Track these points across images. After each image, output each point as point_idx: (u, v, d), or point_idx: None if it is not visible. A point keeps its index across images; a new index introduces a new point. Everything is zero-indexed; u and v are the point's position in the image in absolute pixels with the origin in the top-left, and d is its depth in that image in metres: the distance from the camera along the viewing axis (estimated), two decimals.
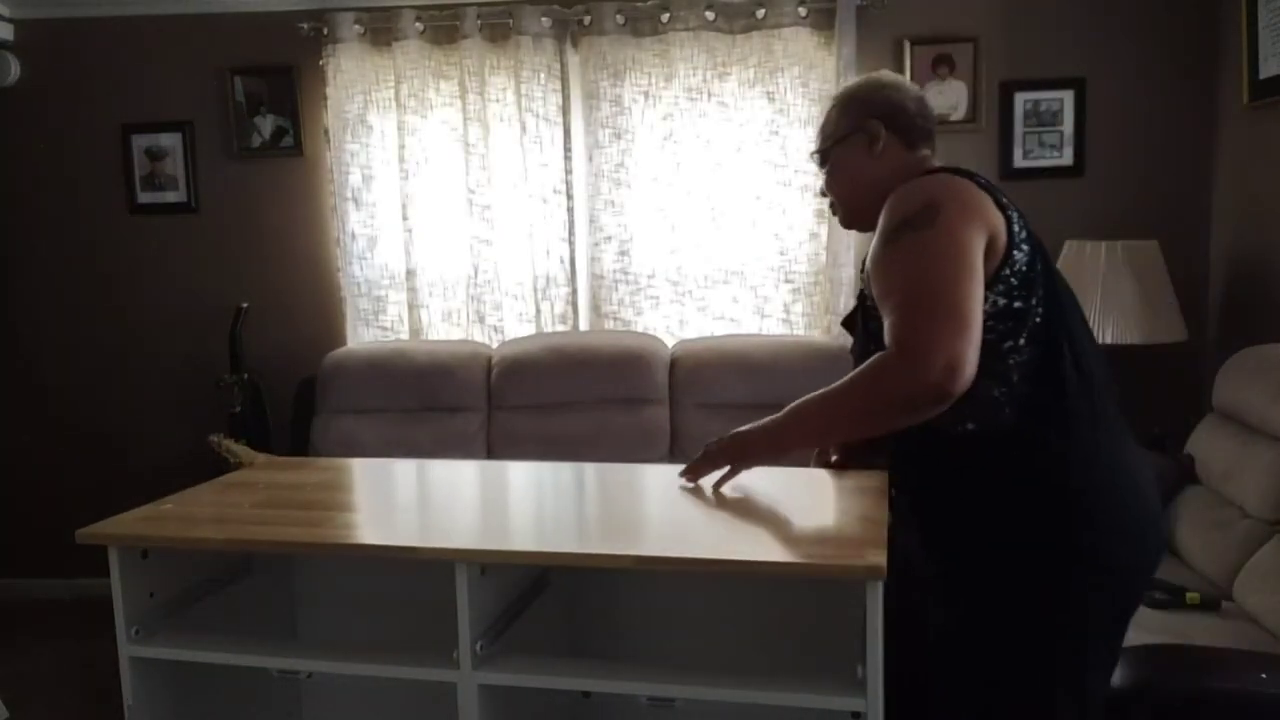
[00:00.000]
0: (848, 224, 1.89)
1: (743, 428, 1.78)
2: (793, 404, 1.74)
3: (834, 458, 1.98)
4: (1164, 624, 2.20)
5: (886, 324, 1.57)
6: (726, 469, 1.77)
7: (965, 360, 1.48)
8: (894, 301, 1.57)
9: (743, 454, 1.77)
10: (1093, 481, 1.63)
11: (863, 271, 1.77)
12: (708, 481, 1.78)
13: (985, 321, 1.55)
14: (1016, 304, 1.61)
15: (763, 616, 1.86)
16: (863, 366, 1.59)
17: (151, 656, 1.65)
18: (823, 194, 1.90)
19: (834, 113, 1.85)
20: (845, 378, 1.63)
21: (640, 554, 1.44)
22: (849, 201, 1.84)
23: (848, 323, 1.94)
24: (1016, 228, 1.62)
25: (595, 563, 1.53)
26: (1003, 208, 1.62)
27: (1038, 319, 1.63)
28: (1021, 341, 1.62)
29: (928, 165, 1.77)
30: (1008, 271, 1.60)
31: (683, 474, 1.80)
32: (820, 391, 1.67)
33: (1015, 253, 1.61)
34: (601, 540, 1.52)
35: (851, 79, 3.43)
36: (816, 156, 1.86)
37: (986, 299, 1.56)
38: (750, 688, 1.45)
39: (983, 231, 1.58)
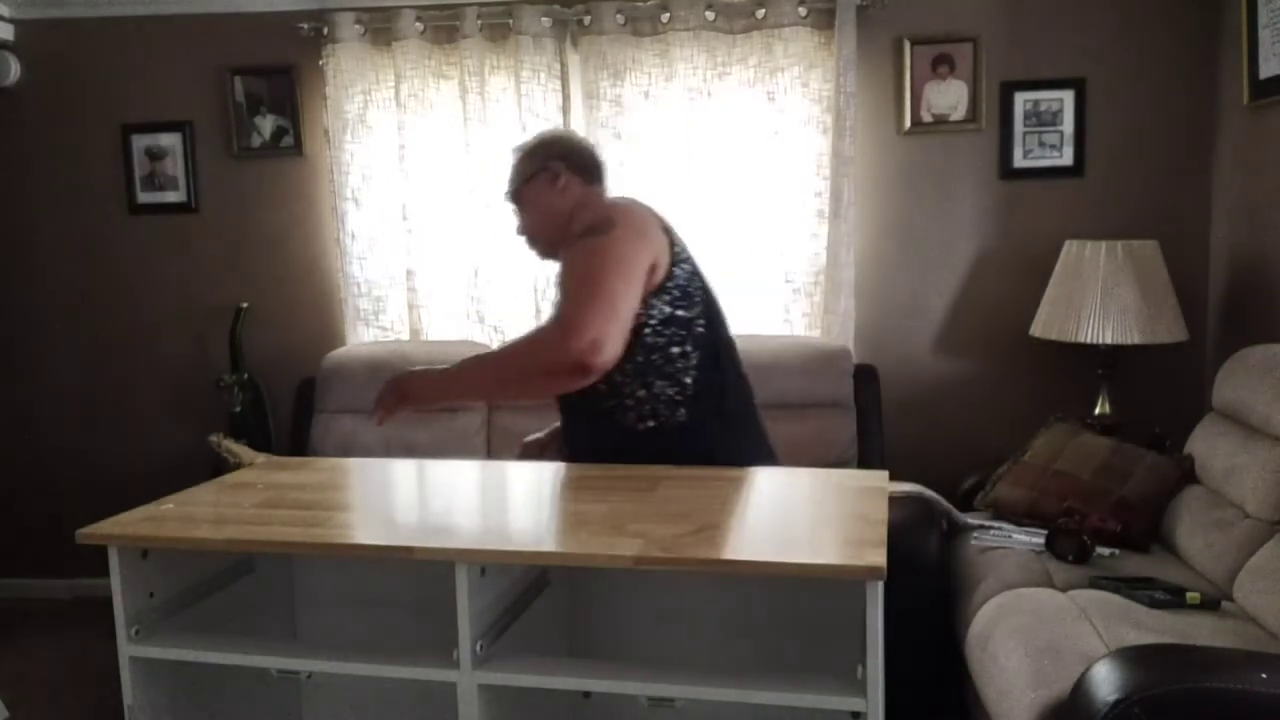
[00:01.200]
0: (544, 254, 2.20)
1: (416, 369, 2.05)
2: (466, 357, 2.11)
3: (530, 437, 2.32)
4: (1164, 624, 2.20)
5: (557, 306, 1.91)
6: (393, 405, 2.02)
7: (608, 340, 1.79)
8: (565, 289, 1.91)
9: (405, 395, 2.01)
10: (743, 460, 2.00)
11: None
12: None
13: (656, 327, 1.93)
14: (680, 311, 1.96)
15: (763, 616, 1.86)
16: (527, 333, 1.98)
17: (152, 656, 1.65)
18: (519, 233, 2.19)
19: (520, 159, 2.16)
20: (512, 340, 2.00)
21: (639, 554, 1.44)
22: (540, 233, 2.14)
23: None
24: (678, 249, 2.00)
25: (595, 562, 1.53)
26: (667, 231, 2.01)
27: (700, 328, 1.99)
28: (689, 348, 1.97)
29: (606, 198, 2.14)
30: (671, 284, 1.95)
31: (372, 417, 2.05)
32: (492, 349, 1.95)
33: (676, 269, 1.97)
34: (601, 540, 1.52)
35: (850, 78, 3.47)
36: (509, 197, 2.16)
37: (654, 306, 1.92)
38: (750, 687, 1.45)
39: (648, 249, 1.92)
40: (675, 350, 1.97)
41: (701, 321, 2.01)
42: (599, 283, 1.84)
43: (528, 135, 3.58)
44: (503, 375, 1.98)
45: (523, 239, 2.20)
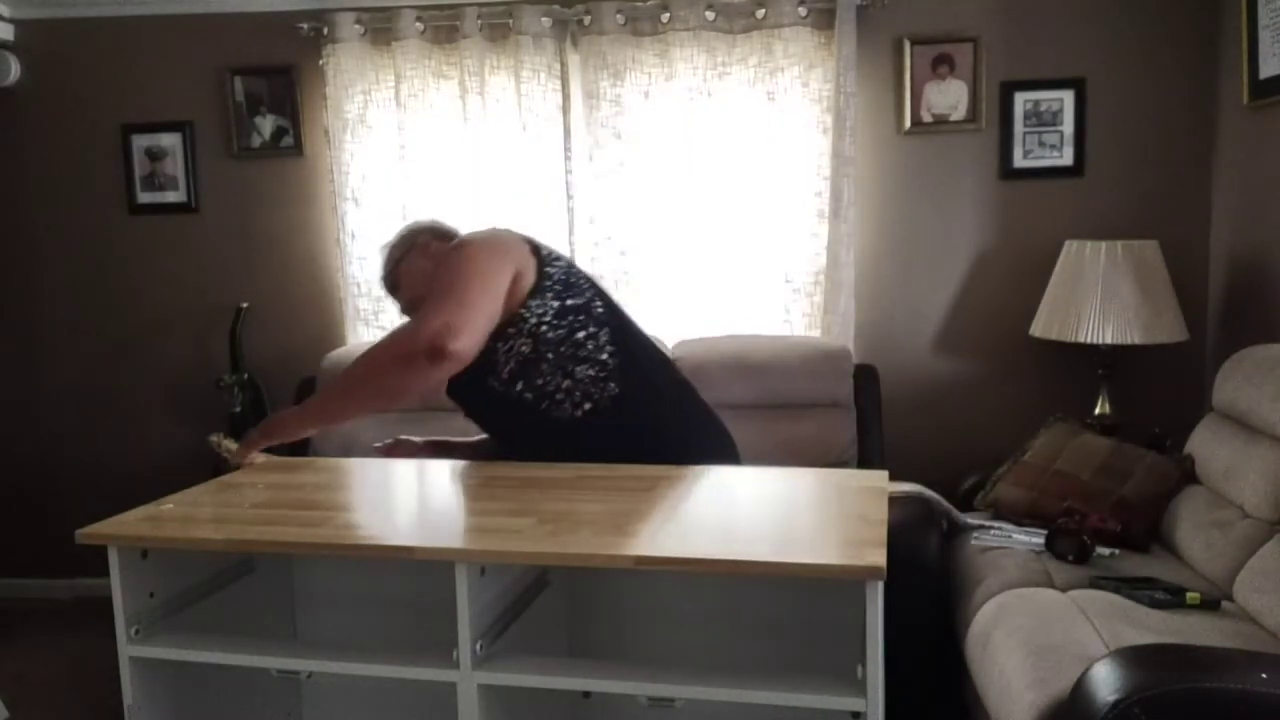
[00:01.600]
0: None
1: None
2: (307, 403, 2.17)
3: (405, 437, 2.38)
4: (1164, 624, 2.20)
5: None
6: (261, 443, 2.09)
7: (460, 327, 1.86)
8: (429, 291, 1.98)
9: (267, 432, 2.09)
10: (683, 419, 2.19)
11: None
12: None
13: (552, 321, 2.04)
14: (570, 300, 2.07)
15: (763, 616, 1.86)
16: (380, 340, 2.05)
17: (151, 656, 1.65)
18: (402, 314, 2.28)
19: (389, 250, 2.27)
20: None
21: (640, 554, 1.44)
22: (417, 298, 2.16)
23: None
24: (546, 252, 2.12)
25: (595, 563, 1.53)
26: (529, 241, 2.13)
27: (599, 309, 2.11)
28: (594, 329, 2.08)
29: None
30: (548, 282, 2.06)
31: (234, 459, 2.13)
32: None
33: (549, 269, 2.08)
34: (601, 540, 1.52)
35: (851, 78, 3.47)
36: (385, 285, 2.27)
37: (541, 304, 2.03)
38: (750, 688, 1.45)
39: (504, 258, 2.04)
40: (581, 335, 2.07)
41: (598, 303, 2.13)
42: (450, 282, 1.95)
43: (528, 134, 3.65)
44: (360, 375, 2.01)
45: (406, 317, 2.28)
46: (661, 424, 2.13)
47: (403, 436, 2.40)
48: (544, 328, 2.05)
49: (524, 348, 2.05)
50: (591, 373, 2.06)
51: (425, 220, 2.34)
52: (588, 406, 2.06)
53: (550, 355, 2.05)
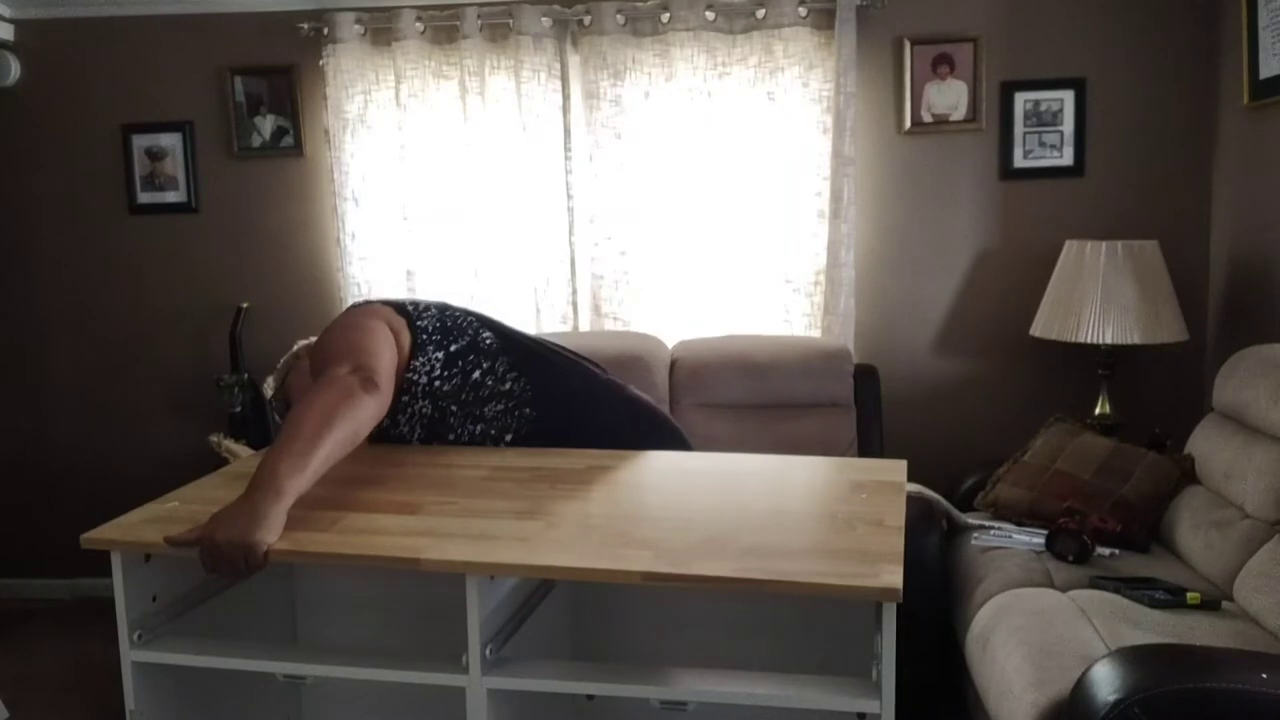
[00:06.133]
0: None
1: (223, 515, 1.56)
2: (258, 470, 1.62)
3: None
4: (1164, 624, 2.20)
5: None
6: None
7: (373, 366, 1.79)
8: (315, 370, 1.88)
9: (265, 522, 1.54)
10: (618, 419, 2.14)
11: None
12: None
13: (442, 373, 1.98)
14: (454, 346, 2.01)
15: (769, 618, 1.86)
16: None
17: (154, 661, 1.65)
18: None
19: (275, 377, 2.18)
20: (285, 420, 1.73)
21: (647, 570, 1.43)
22: None
23: None
24: (411, 306, 2.05)
25: (602, 578, 1.52)
26: (389, 302, 2.06)
27: (487, 341, 2.05)
28: (488, 363, 2.03)
29: None
30: (425, 337, 1.99)
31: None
32: (275, 441, 1.68)
33: (420, 322, 2.01)
34: (609, 552, 1.51)
35: (851, 78, 3.47)
36: (276, 406, 2.17)
37: (426, 360, 1.97)
38: (761, 689, 1.44)
39: (374, 319, 1.96)
40: (476, 375, 2.02)
41: (485, 335, 2.06)
42: (335, 346, 1.88)
43: (528, 135, 3.65)
44: (314, 425, 1.65)
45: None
46: (595, 429, 2.07)
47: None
48: (437, 382, 2.00)
49: (424, 409, 2.01)
50: (501, 406, 2.03)
51: (304, 341, 2.22)
52: (509, 438, 2.03)
53: (454, 407, 2.02)
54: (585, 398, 2.14)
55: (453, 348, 2.02)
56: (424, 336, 2.00)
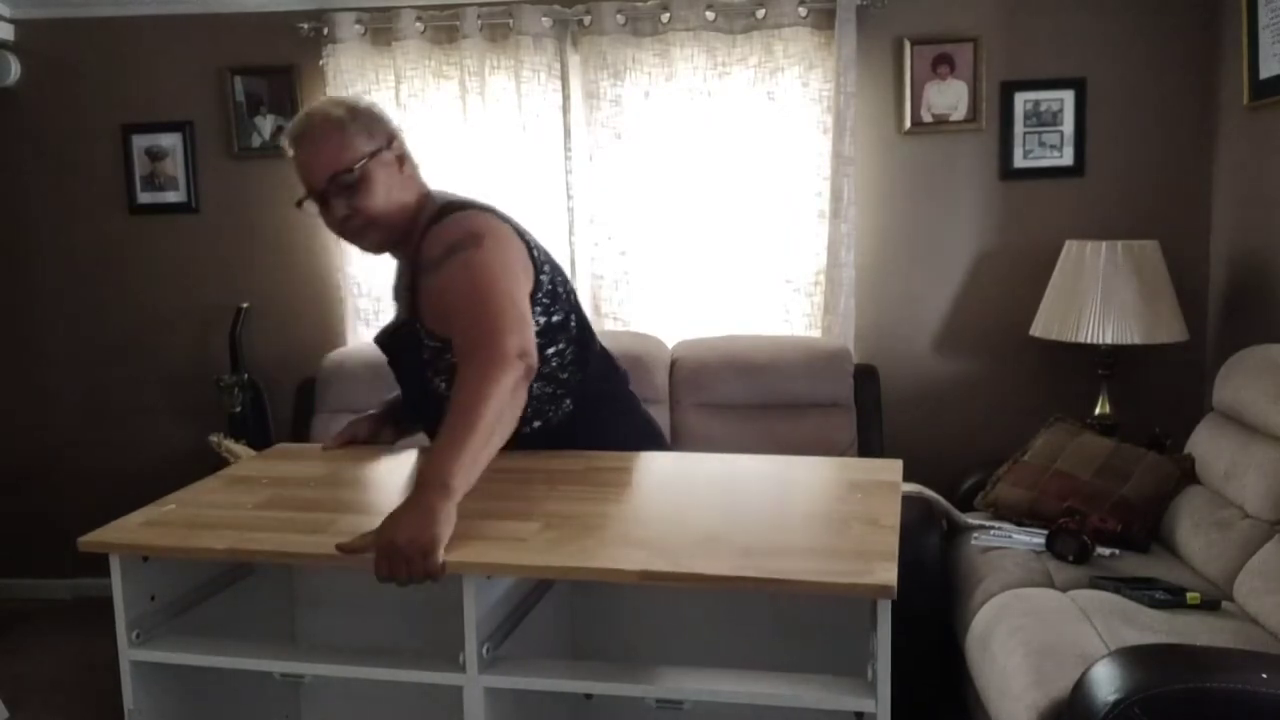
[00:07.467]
0: (379, 247, 1.95)
1: (398, 516, 1.49)
2: (426, 467, 1.57)
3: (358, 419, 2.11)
4: (1164, 624, 2.20)
5: (457, 337, 1.71)
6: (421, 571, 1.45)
7: (531, 343, 1.67)
8: (459, 313, 1.71)
9: (419, 546, 1.45)
10: (631, 429, 2.06)
11: (398, 300, 1.96)
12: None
13: (543, 336, 1.81)
14: (555, 318, 1.88)
15: (767, 615, 1.86)
16: (458, 387, 1.63)
17: (153, 660, 1.65)
18: (345, 219, 1.88)
19: (355, 129, 1.87)
20: (453, 407, 1.60)
21: (644, 569, 1.43)
22: (384, 219, 1.87)
23: (385, 342, 1.99)
24: (536, 254, 1.87)
25: (600, 577, 1.52)
26: (521, 235, 1.87)
27: (573, 325, 1.92)
28: (562, 346, 1.90)
29: (446, 197, 1.95)
30: (540, 293, 1.84)
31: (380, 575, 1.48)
32: (443, 434, 1.59)
33: (540, 276, 1.85)
34: (606, 551, 1.51)
35: (851, 78, 3.47)
36: (348, 176, 1.84)
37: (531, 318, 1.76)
38: (758, 687, 1.44)
39: (517, 256, 1.80)
40: (550, 351, 1.89)
41: (572, 320, 1.94)
42: (494, 295, 1.71)
43: (528, 135, 3.64)
44: (489, 421, 1.59)
45: (346, 222, 1.88)
46: (611, 436, 1.98)
47: (354, 418, 2.16)
48: None
49: None
50: (549, 390, 1.92)
51: (372, 102, 2.02)
52: (537, 424, 1.90)
53: None
54: (613, 402, 2.07)
55: (554, 319, 1.89)
56: (539, 293, 1.85)
